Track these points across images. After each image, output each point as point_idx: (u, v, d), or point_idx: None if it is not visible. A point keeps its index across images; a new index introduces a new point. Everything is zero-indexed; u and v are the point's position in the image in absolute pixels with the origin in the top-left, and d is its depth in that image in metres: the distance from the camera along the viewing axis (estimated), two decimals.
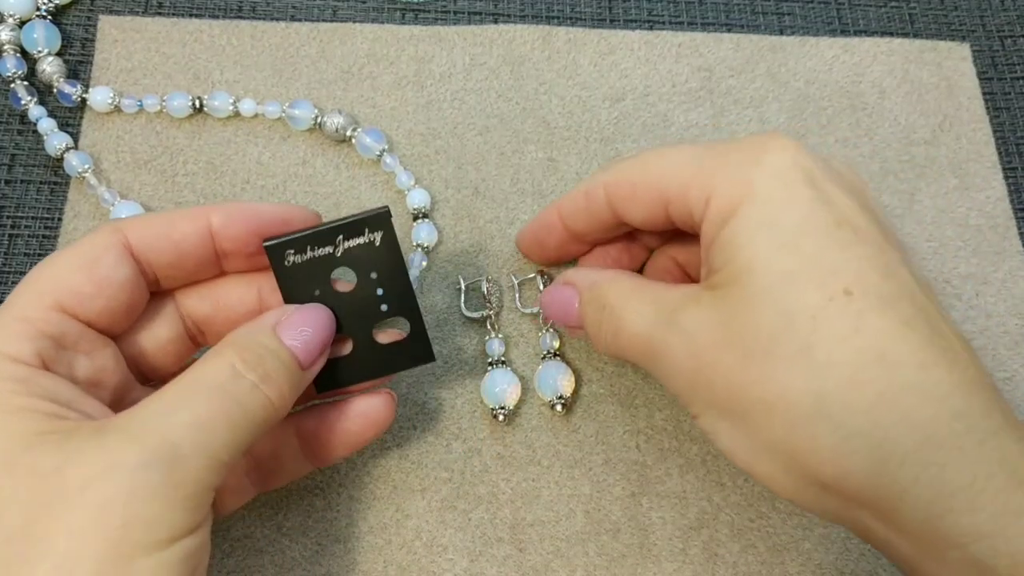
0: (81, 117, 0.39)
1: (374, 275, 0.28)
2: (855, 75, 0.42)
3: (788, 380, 0.24)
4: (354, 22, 0.42)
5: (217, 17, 0.41)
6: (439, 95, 0.40)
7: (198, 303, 0.29)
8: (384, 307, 0.29)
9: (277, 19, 0.42)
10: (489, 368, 0.35)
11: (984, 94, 0.42)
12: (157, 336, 0.28)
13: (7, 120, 0.39)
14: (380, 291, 0.29)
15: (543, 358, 0.35)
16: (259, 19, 0.41)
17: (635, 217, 0.30)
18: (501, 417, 0.34)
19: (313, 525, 0.33)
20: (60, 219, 0.37)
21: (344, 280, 0.29)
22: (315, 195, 0.38)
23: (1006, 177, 0.41)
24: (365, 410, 0.30)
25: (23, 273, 0.36)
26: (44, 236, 0.37)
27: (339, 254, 0.28)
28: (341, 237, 0.28)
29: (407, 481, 0.34)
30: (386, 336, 0.29)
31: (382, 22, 0.42)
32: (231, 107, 0.39)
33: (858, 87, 0.42)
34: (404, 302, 0.29)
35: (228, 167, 0.38)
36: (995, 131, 0.42)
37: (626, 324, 0.28)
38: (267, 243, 0.27)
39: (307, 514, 0.33)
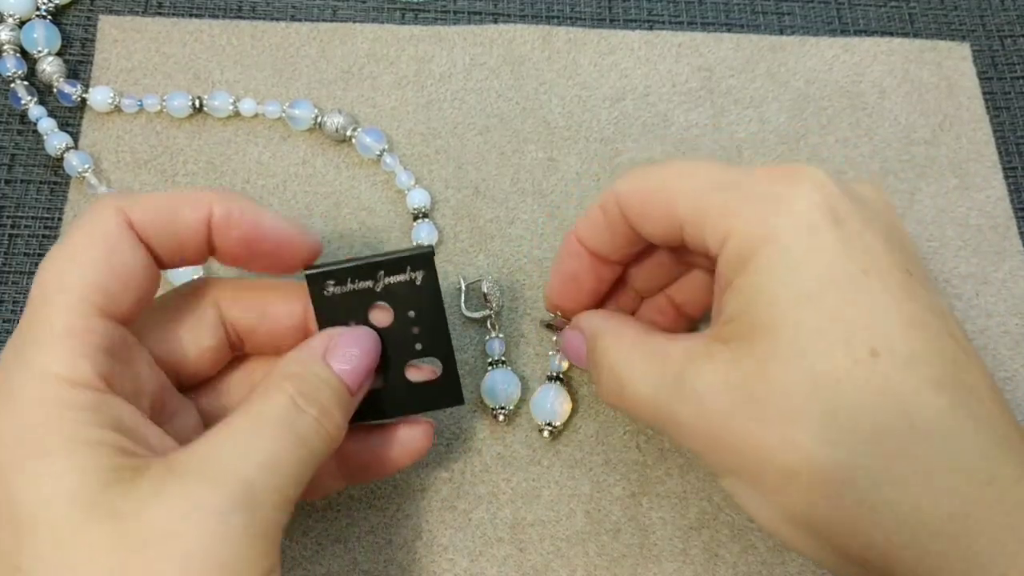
0: (81, 117, 0.39)
1: (411, 313, 0.28)
2: (855, 75, 0.42)
3: (812, 447, 0.22)
4: (354, 22, 0.42)
5: (217, 17, 0.41)
6: (439, 95, 0.40)
7: (243, 314, 0.28)
8: (418, 346, 0.29)
9: (277, 19, 0.42)
10: (489, 368, 0.35)
11: (984, 94, 0.42)
12: (199, 343, 0.28)
13: (7, 120, 0.39)
14: (416, 330, 0.28)
15: (549, 378, 0.35)
16: (259, 19, 0.41)
17: (650, 233, 0.28)
18: (501, 417, 0.34)
19: (313, 525, 0.33)
20: (60, 219, 0.37)
21: (380, 310, 0.28)
22: (315, 195, 0.38)
23: (1006, 177, 0.41)
24: (407, 439, 0.30)
25: (23, 273, 0.36)
26: (44, 236, 0.37)
27: (379, 289, 0.27)
28: (382, 273, 0.27)
29: (407, 481, 0.34)
30: (418, 374, 0.29)
31: (382, 22, 0.42)
32: (231, 107, 0.39)
33: (858, 87, 0.42)
34: (439, 343, 0.29)
35: (228, 167, 0.38)
36: (995, 131, 0.42)
37: (629, 387, 0.26)
38: (308, 273, 0.27)
39: (307, 514, 0.33)
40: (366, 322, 0.28)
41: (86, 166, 0.37)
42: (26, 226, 0.37)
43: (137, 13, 0.41)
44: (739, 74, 0.42)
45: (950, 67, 0.43)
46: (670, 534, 0.33)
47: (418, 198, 0.38)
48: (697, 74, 0.42)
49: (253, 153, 0.39)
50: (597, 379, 0.29)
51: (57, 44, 0.40)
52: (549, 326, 0.35)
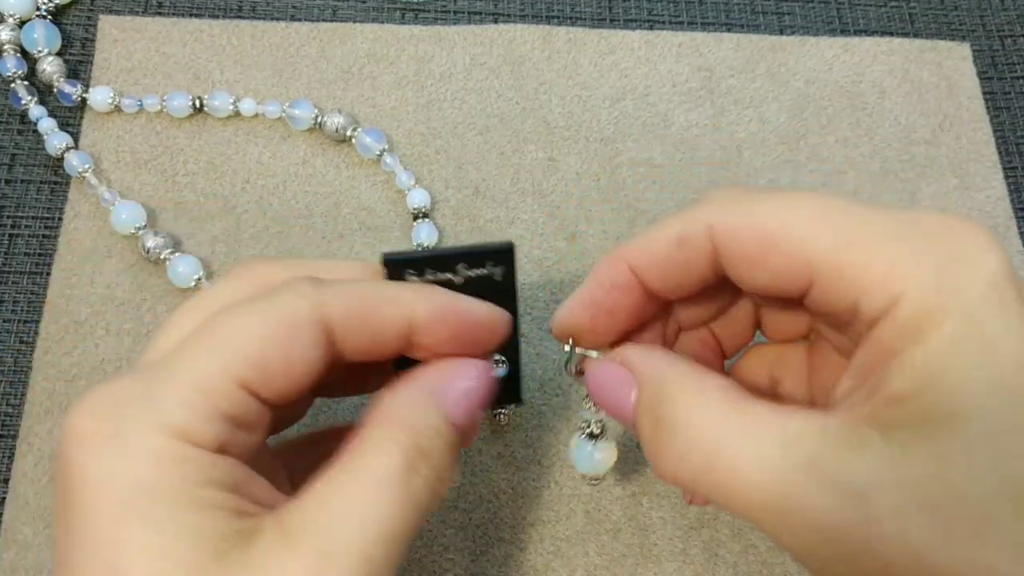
0: (81, 117, 0.39)
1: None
2: (855, 75, 0.42)
3: (1007, 568, 0.18)
4: (354, 22, 0.42)
5: (217, 17, 0.41)
6: (439, 95, 0.40)
7: (355, 341, 0.25)
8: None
9: (277, 19, 0.42)
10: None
11: (984, 94, 0.42)
12: (307, 382, 0.25)
13: (7, 120, 0.39)
14: None
15: (582, 433, 0.29)
16: (259, 19, 0.41)
17: (754, 282, 0.23)
18: (502, 417, 0.34)
19: None
20: (60, 219, 0.37)
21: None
22: (315, 195, 0.38)
23: (1006, 177, 0.41)
24: None
25: (23, 273, 0.36)
26: (44, 236, 0.37)
27: (459, 282, 0.26)
28: (462, 265, 0.26)
29: None
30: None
31: (382, 22, 0.42)
32: (231, 107, 0.39)
33: (858, 87, 0.42)
34: (508, 341, 0.27)
35: (228, 167, 0.38)
36: (995, 131, 0.42)
37: (730, 467, 0.21)
38: (389, 257, 0.26)
39: None
40: None
41: (86, 166, 0.37)
42: (26, 226, 0.37)
43: (137, 13, 0.41)
44: (739, 74, 0.42)
45: (950, 67, 0.43)
46: (670, 534, 0.33)
47: (418, 198, 0.38)
48: (697, 74, 0.42)
49: (253, 153, 0.39)
50: (659, 443, 0.23)
51: (57, 44, 0.40)
52: (580, 373, 0.27)
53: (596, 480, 0.30)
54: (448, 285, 0.26)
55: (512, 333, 0.27)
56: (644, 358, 0.24)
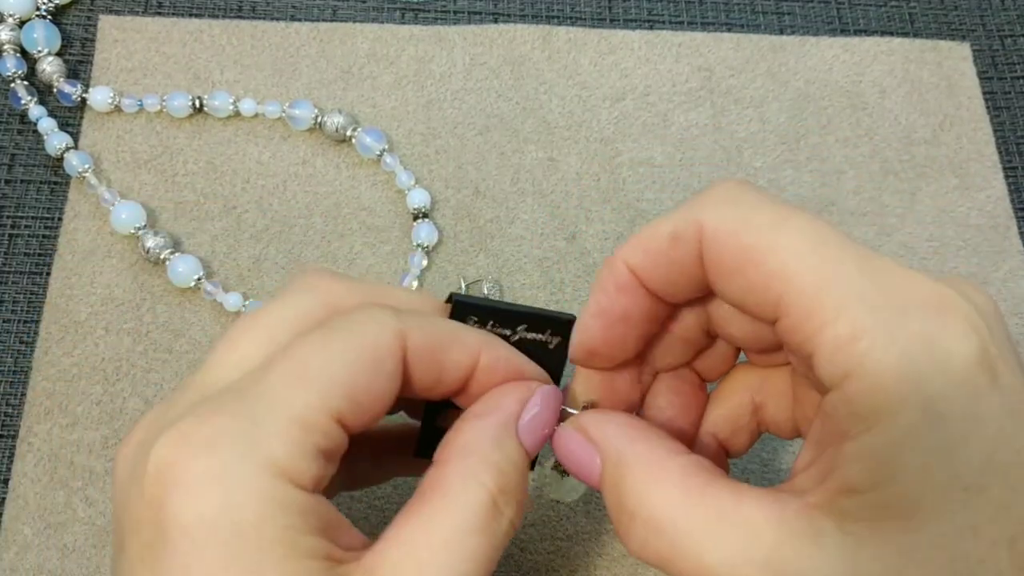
0: (81, 117, 0.39)
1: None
2: (855, 75, 0.42)
3: None
4: (354, 22, 0.42)
5: (217, 17, 0.41)
6: (439, 95, 0.40)
7: (425, 377, 0.24)
8: None
9: (277, 19, 0.42)
10: None
11: (984, 93, 0.42)
12: (382, 410, 0.24)
13: (7, 120, 0.39)
14: None
15: (553, 467, 0.27)
16: (259, 19, 0.41)
17: (726, 292, 0.22)
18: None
19: None
20: (60, 219, 0.37)
21: None
22: (315, 195, 0.38)
23: (1006, 176, 0.41)
24: None
25: (23, 273, 0.36)
26: (44, 236, 0.37)
27: (513, 340, 0.26)
28: (523, 327, 0.26)
29: (408, 481, 0.33)
30: None
31: (382, 22, 0.42)
32: (231, 107, 0.39)
33: (858, 87, 0.42)
34: None
35: (228, 167, 0.38)
36: (995, 130, 0.42)
37: (692, 558, 0.20)
38: (457, 298, 0.25)
39: None
40: None
41: (86, 166, 0.37)
42: (26, 226, 0.37)
43: (137, 13, 0.41)
44: (739, 74, 0.42)
45: (950, 67, 0.43)
46: None
47: (418, 198, 0.37)
48: (697, 74, 0.42)
49: (253, 153, 0.39)
50: (627, 527, 0.22)
51: (57, 44, 0.39)
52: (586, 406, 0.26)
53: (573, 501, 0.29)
54: (506, 340, 0.26)
55: None
56: (604, 432, 0.23)
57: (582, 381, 0.26)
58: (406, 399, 0.24)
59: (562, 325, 0.26)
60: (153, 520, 0.19)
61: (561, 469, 0.27)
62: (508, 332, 0.26)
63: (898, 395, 0.18)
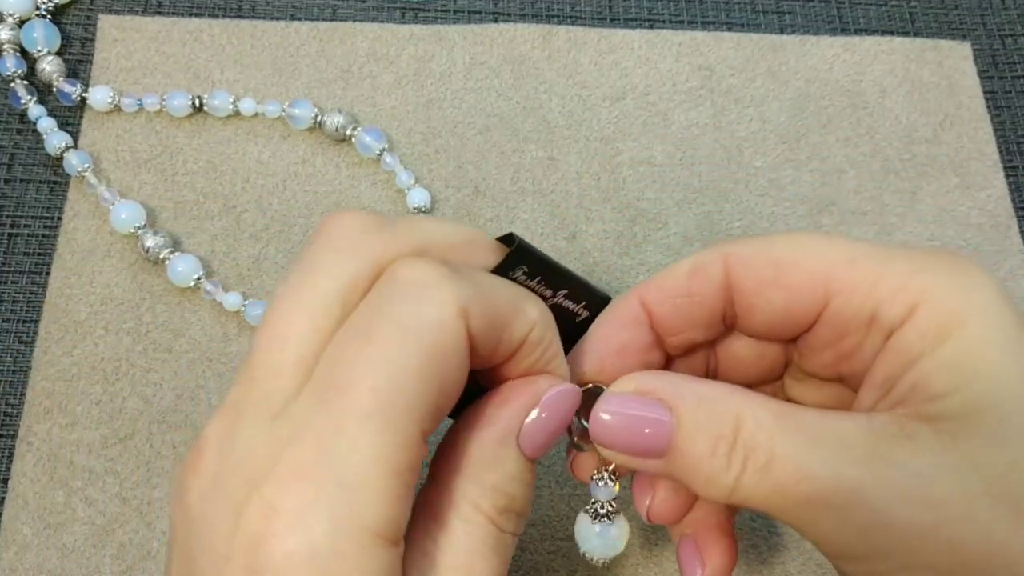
0: (81, 116, 0.39)
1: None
2: (856, 74, 0.42)
3: None
4: (354, 21, 0.42)
5: (217, 16, 0.41)
6: (439, 94, 0.40)
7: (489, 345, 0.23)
8: None
9: (277, 18, 0.42)
10: None
11: (985, 93, 0.42)
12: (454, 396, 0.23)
13: (7, 119, 0.39)
14: None
15: (592, 515, 0.26)
16: (259, 18, 0.41)
17: (762, 311, 0.23)
18: None
19: None
20: (60, 218, 0.37)
21: None
22: (315, 194, 0.38)
23: (1007, 176, 0.41)
24: None
25: (23, 272, 0.36)
26: (43, 236, 0.37)
27: (550, 302, 0.24)
28: (564, 292, 0.24)
29: None
30: None
31: (382, 21, 0.42)
32: (231, 106, 0.39)
33: (859, 86, 0.42)
34: None
35: (228, 166, 0.38)
36: (996, 130, 0.42)
37: (791, 462, 0.20)
38: (520, 243, 0.23)
39: None
40: None
41: (86, 165, 0.37)
42: (26, 225, 0.37)
43: (137, 12, 0.41)
44: (739, 73, 0.42)
45: (951, 66, 0.43)
46: (671, 534, 0.33)
47: (418, 197, 0.37)
48: (697, 73, 0.42)
49: (253, 152, 0.39)
50: (717, 459, 0.21)
51: (57, 43, 0.39)
52: (577, 446, 0.25)
53: (606, 560, 0.26)
54: (544, 301, 0.24)
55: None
56: (676, 384, 0.23)
57: (592, 359, 0.24)
58: None
59: (597, 300, 0.25)
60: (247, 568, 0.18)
61: (600, 512, 0.25)
62: (549, 293, 0.24)
63: (960, 310, 0.21)
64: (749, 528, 0.33)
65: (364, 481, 0.18)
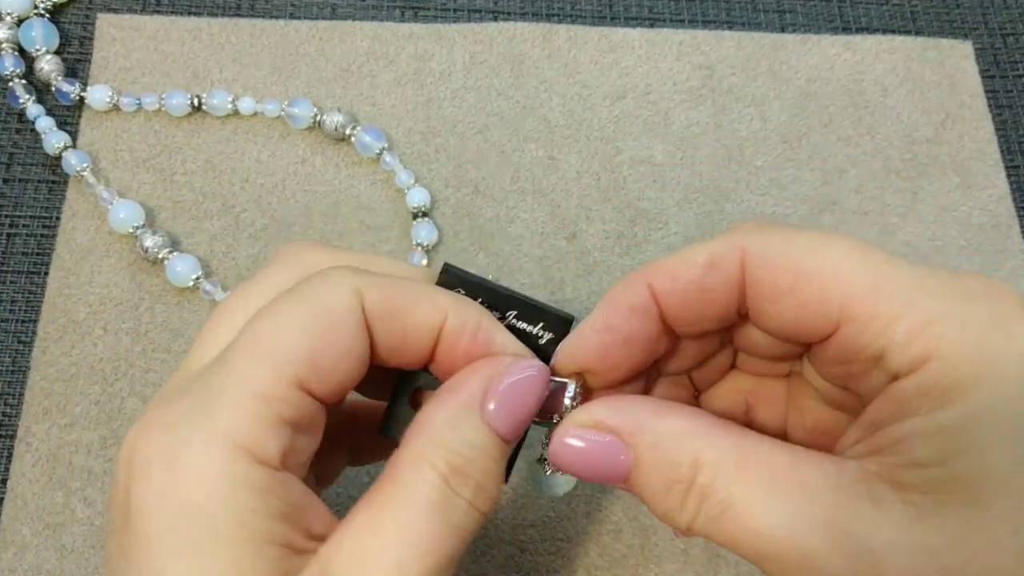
0: (79, 116, 0.39)
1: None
2: (857, 73, 0.42)
3: None
4: (353, 20, 0.41)
5: (216, 15, 0.41)
6: (439, 93, 0.40)
7: (389, 333, 0.23)
8: None
9: (276, 17, 0.41)
10: None
11: (986, 92, 0.42)
12: (354, 372, 0.23)
13: (5, 119, 0.39)
14: None
15: (542, 465, 0.25)
16: (258, 17, 0.41)
17: (776, 317, 0.22)
18: None
19: None
20: (58, 218, 0.37)
21: None
22: (314, 194, 0.38)
23: (1008, 175, 0.41)
24: None
25: (21, 272, 0.36)
26: (42, 235, 0.37)
27: (503, 323, 0.24)
28: (514, 314, 0.24)
29: None
30: None
31: (381, 20, 0.42)
32: (230, 105, 0.39)
33: (860, 85, 0.42)
34: None
35: (227, 166, 0.38)
36: (997, 129, 0.41)
37: (746, 518, 0.20)
38: (448, 267, 0.24)
39: None
40: None
41: (84, 165, 0.37)
42: (24, 225, 0.37)
43: (135, 11, 0.41)
44: (740, 72, 0.42)
45: (952, 65, 0.42)
46: (671, 534, 0.33)
47: (418, 197, 0.37)
48: (698, 72, 0.41)
49: (252, 152, 0.39)
50: (673, 500, 0.21)
51: (55, 42, 0.39)
52: (541, 460, 0.25)
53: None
54: None
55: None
56: (628, 413, 0.22)
57: (594, 347, 0.23)
58: (379, 368, 0.23)
59: (558, 322, 0.24)
60: (122, 505, 0.20)
61: (547, 463, 0.25)
62: (497, 315, 0.24)
63: (973, 374, 0.19)
64: None
65: (227, 394, 0.20)
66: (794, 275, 0.21)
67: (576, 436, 0.22)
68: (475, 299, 0.24)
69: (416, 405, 0.24)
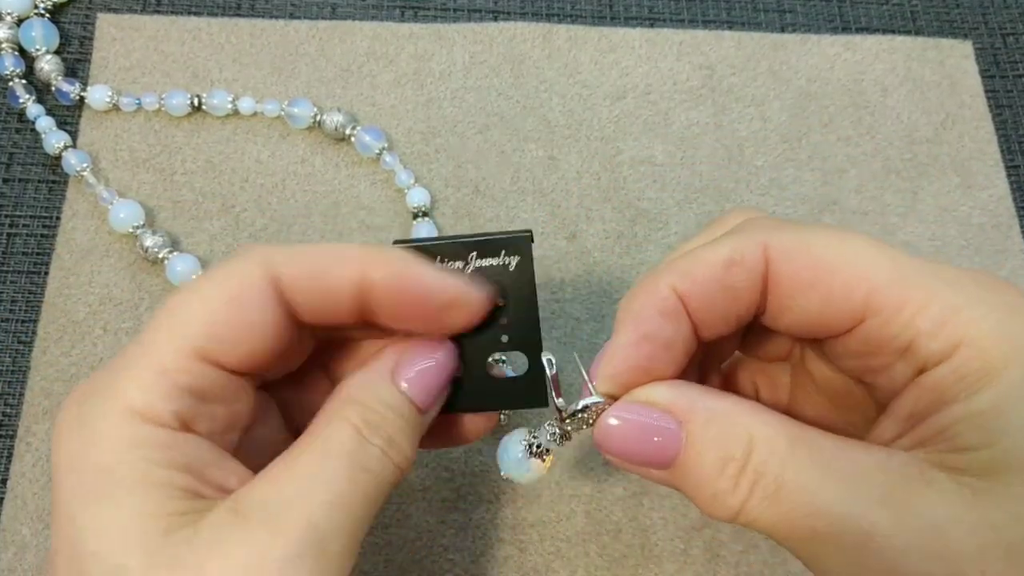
0: (79, 115, 0.39)
1: (500, 301, 0.25)
2: (857, 73, 0.42)
3: None
4: (353, 20, 0.41)
5: (216, 15, 0.41)
6: (439, 93, 0.40)
7: (306, 296, 0.24)
8: (504, 338, 0.26)
9: (276, 17, 0.41)
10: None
11: (986, 92, 0.42)
12: (273, 344, 0.24)
13: (5, 119, 0.39)
14: (504, 320, 0.26)
15: (526, 444, 0.26)
16: (258, 17, 0.41)
17: (794, 313, 0.22)
18: (503, 417, 0.34)
19: None
20: (58, 218, 0.37)
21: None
22: (314, 194, 0.38)
23: (1008, 175, 0.41)
24: (469, 421, 0.27)
25: (21, 272, 0.36)
26: (42, 235, 0.37)
27: (469, 271, 0.25)
28: (474, 254, 0.25)
29: (408, 481, 0.33)
30: (498, 372, 0.27)
31: (381, 20, 0.42)
32: (230, 105, 0.39)
33: (860, 85, 0.42)
34: (527, 337, 0.26)
35: (227, 165, 0.38)
36: (997, 129, 0.41)
37: (799, 493, 0.20)
38: (396, 241, 0.25)
39: None
40: None
41: (84, 165, 0.37)
42: (24, 225, 0.37)
43: (135, 11, 0.41)
44: (740, 72, 0.42)
45: (952, 65, 0.42)
46: (671, 534, 0.33)
47: (418, 197, 0.37)
48: (698, 72, 0.41)
49: (252, 152, 0.39)
50: (725, 480, 0.21)
51: (55, 42, 0.39)
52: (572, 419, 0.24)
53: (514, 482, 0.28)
54: (459, 275, 0.25)
55: (532, 331, 0.25)
56: (687, 395, 0.22)
57: (638, 357, 0.23)
58: (345, 328, 0.25)
59: (516, 242, 0.25)
60: (51, 466, 0.22)
61: (533, 448, 0.26)
62: (461, 265, 0.25)
63: (1002, 357, 0.19)
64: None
65: (131, 368, 0.21)
66: (815, 268, 0.21)
67: (629, 411, 0.22)
68: (435, 260, 0.25)
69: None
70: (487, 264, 0.25)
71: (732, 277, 0.22)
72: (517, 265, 0.25)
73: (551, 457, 0.26)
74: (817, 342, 0.24)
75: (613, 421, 0.22)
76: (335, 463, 0.22)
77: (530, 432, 0.26)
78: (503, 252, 0.25)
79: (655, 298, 0.22)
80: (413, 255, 0.24)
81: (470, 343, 0.26)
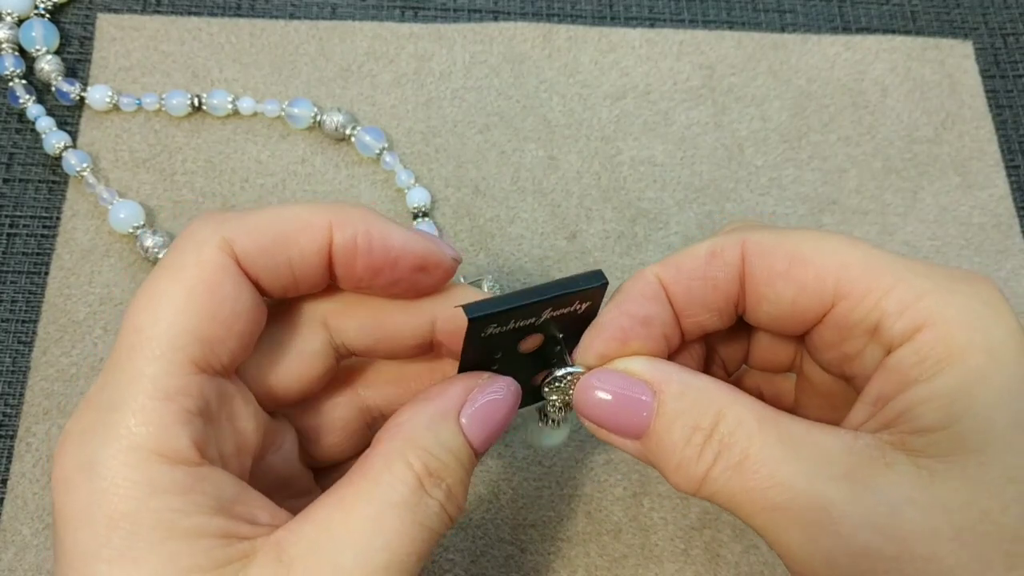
0: (79, 115, 0.39)
1: (560, 335, 0.25)
2: (857, 73, 0.42)
3: None
4: (353, 20, 0.41)
5: (216, 15, 0.41)
6: (439, 93, 0.40)
7: (358, 335, 0.24)
8: (555, 360, 0.25)
9: (276, 17, 0.41)
10: None
11: (987, 92, 0.42)
12: (306, 374, 0.24)
13: (5, 119, 0.39)
14: (557, 348, 0.25)
15: (546, 419, 0.27)
16: (258, 17, 0.41)
17: (770, 303, 0.23)
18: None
19: None
20: (59, 218, 0.37)
21: (531, 337, 0.25)
22: (314, 193, 0.38)
23: (1009, 175, 0.41)
24: None
25: (21, 272, 0.36)
26: (42, 235, 0.37)
27: (539, 324, 0.24)
28: (549, 310, 0.23)
29: None
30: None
31: (381, 20, 0.42)
32: (230, 105, 0.39)
33: (860, 85, 0.42)
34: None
35: (227, 165, 0.38)
36: (998, 129, 0.41)
37: (764, 467, 0.21)
38: (472, 317, 0.22)
39: None
40: (514, 349, 0.24)
41: (84, 165, 0.37)
42: (24, 225, 0.37)
43: (136, 11, 0.41)
44: (740, 72, 0.42)
45: (952, 65, 0.42)
46: (671, 534, 0.33)
47: (418, 197, 0.37)
48: (698, 72, 0.41)
49: (252, 152, 0.39)
50: (690, 451, 0.22)
51: (55, 42, 0.39)
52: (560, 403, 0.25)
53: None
54: (528, 328, 0.24)
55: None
56: (663, 368, 0.23)
57: (616, 329, 0.24)
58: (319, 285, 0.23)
59: (594, 294, 0.24)
60: (54, 518, 0.20)
61: (545, 414, 0.26)
62: (533, 320, 0.23)
63: (965, 341, 0.20)
64: (749, 528, 0.33)
65: (127, 403, 0.19)
66: (790, 258, 0.22)
67: (604, 379, 0.23)
68: (508, 323, 0.23)
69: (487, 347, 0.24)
70: (559, 313, 0.24)
71: (712, 268, 0.23)
72: (586, 309, 0.24)
73: (567, 424, 0.27)
74: (802, 339, 0.25)
75: (590, 388, 0.23)
76: (396, 520, 0.20)
77: (539, 410, 0.27)
78: (578, 302, 0.24)
79: (639, 283, 0.24)
80: (377, 214, 0.23)
81: (520, 365, 0.25)
